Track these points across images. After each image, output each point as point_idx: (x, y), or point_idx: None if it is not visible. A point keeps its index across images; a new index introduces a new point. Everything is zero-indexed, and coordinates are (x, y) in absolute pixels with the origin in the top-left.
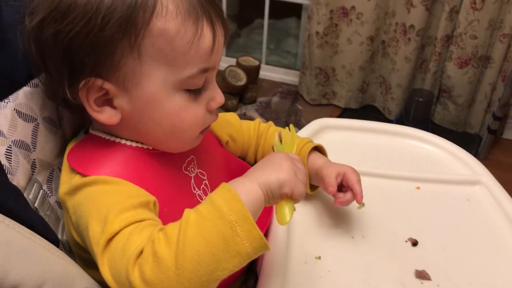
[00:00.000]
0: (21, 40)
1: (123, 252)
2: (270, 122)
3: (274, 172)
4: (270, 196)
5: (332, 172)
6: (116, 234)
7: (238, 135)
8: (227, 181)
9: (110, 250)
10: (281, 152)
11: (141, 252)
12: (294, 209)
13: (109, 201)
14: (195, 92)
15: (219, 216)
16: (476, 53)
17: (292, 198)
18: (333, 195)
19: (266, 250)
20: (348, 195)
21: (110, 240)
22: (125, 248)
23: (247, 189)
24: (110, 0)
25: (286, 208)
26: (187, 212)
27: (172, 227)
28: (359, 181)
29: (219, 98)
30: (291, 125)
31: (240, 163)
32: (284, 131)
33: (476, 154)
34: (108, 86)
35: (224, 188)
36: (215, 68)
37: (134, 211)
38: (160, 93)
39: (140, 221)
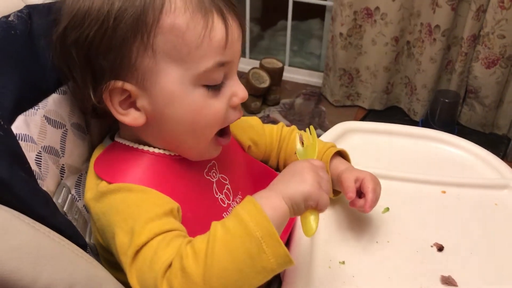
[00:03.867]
0: (48, 51)
1: (151, 265)
2: (293, 126)
3: (298, 185)
4: (295, 209)
5: (350, 177)
6: (144, 245)
7: (260, 139)
8: (249, 184)
9: (138, 262)
10: (304, 161)
11: (169, 265)
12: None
13: (134, 212)
14: (214, 88)
15: (246, 232)
16: (504, 53)
17: (316, 209)
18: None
19: (290, 265)
20: (362, 201)
21: (138, 251)
22: (153, 261)
23: (272, 204)
24: (121, 2)
25: (311, 219)
26: (214, 226)
27: (200, 241)
28: (374, 189)
29: (242, 93)
30: (311, 127)
31: (262, 167)
32: (305, 134)
33: (504, 156)
34: (128, 87)
35: (250, 203)
36: (233, 63)
37: (160, 221)
38: (178, 90)
39: (166, 231)
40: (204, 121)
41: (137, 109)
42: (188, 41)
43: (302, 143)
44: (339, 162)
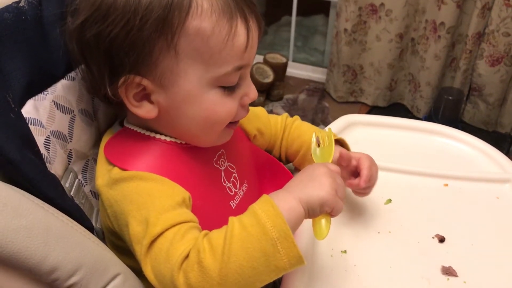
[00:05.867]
0: (62, 39)
1: (168, 256)
2: (296, 116)
3: (316, 190)
4: (311, 213)
5: (348, 153)
6: (159, 236)
7: (265, 128)
8: (254, 173)
9: (153, 252)
10: (321, 165)
11: (186, 257)
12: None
13: (147, 201)
14: (229, 89)
15: (263, 232)
16: (509, 51)
17: (330, 214)
18: (348, 179)
19: (301, 265)
20: (357, 179)
21: (153, 242)
22: (170, 252)
23: (289, 206)
24: (148, 1)
25: (323, 223)
26: (231, 222)
27: (217, 237)
28: (369, 167)
29: (253, 93)
30: (329, 129)
31: (267, 156)
32: (322, 135)
33: (507, 154)
34: (145, 82)
35: (267, 203)
36: (249, 65)
37: (174, 212)
38: (196, 90)
39: (180, 222)
40: (216, 118)
41: (151, 102)
42: (211, 45)
43: (319, 145)
44: (337, 149)
